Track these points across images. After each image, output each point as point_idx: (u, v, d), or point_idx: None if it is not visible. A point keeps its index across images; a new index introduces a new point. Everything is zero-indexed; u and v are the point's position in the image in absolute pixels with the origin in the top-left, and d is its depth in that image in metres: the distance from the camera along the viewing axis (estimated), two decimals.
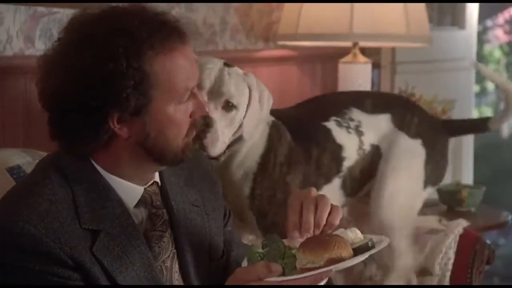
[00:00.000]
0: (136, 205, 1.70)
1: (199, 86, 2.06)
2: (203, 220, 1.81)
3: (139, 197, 1.69)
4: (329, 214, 1.64)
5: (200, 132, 2.04)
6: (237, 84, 2.17)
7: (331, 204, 1.65)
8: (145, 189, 1.71)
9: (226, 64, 2.20)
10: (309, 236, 1.61)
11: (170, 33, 1.63)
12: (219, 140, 2.12)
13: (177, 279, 1.74)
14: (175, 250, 1.74)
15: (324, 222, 1.63)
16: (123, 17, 1.62)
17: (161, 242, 1.71)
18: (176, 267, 1.74)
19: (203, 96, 2.08)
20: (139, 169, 1.69)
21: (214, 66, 2.17)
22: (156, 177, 1.76)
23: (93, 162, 1.66)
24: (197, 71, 1.69)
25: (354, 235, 1.58)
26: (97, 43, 1.58)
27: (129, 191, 1.68)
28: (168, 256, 1.73)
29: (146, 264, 1.65)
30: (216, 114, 2.11)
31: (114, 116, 1.60)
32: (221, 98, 2.13)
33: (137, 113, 1.61)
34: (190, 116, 1.68)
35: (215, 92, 2.13)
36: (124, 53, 1.57)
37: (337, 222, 1.63)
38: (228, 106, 2.14)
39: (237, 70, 2.21)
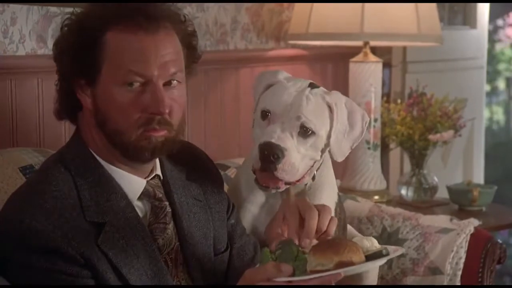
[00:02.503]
0: (140, 198, 1.72)
1: (274, 111, 1.97)
2: (206, 214, 1.83)
3: (141, 189, 1.72)
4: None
5: (269, 163, 1.93)
6: (315, 107, 1.99)
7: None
8: (147, 182, 1.73)
9: (311, 85, 2.04)
10: (308, 241, 1.64)
11: (137, 17, 1.66)
12: (293, 169, 1.95)
13: (181, 271, 1.76)
14: (178, 243, 1.76)
15: (324, 229, 1.69)
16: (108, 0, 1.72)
17: (164, 234, 1.73)
18: (180, 259, 1.76)
19: (277, 123, 1.96)
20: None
21: (295, 90, 2.00)
22: (158, 171, 1.78)
23: (95, 155, 1.69)
24: (155, 62, 1.66)
25: (370, 243, 1.59)
26: (78, 16, 1.70)
27: (132, 183, 1.71)
28: (172, 248, 1.75)
29: (151, 256, 1.67)
30: (290, 142, 1.95)
31: (81, 84, 1.68)
32: (297, 122, 1.96)
33: (91, 83, 1.67)
34: (147, 110, 1.66)
35: (291, 117, 1.97)
36: (90, 24, 1.67)
37: (332, 232, 1.69)
38: (305, 132, 1.97)
39: (320, 91, 2.04)
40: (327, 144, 2.03)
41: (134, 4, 1.69)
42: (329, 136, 2.02)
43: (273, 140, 1.94)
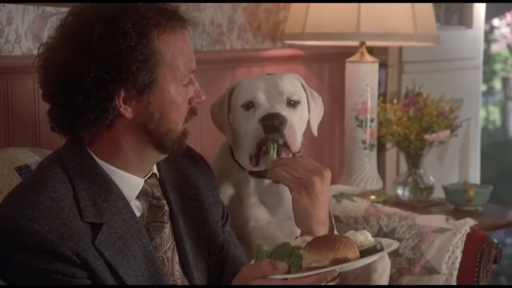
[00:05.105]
0: (138, 197, 1.73)
1: (255, 98, 2.08)
2: (201, 214, 1.84)
3: (139, 188, 1.72)
4: None
5: (275, 132, 2.03)
6: (291, 82, 2.14)
7: None
8: (145, 181, 1.73)
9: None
10: None
11: (171, 16, 1.68)
12: (297, 134, 2.07)
13: (177, 271, 1.76)
14: (175, 242, 1.76)
15: None
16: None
17: (162, 233, 1.74)
18: (176, 258, 1.76)
19: (265, 105, 2.07)
20: (139, 157, 1.71)
21: (261, 76, 2.18)
22: (155, 169, 1.78)
23: (93, 155, 1.68)
24: (193, 56, 1.73)
25: (364, 237, 1.60)
26: (105, 21, 1.62)
27: (130, 182, 1.71)
28: (169, 247, 1.75)
29: (148, 257, 1.67)
30: (284, 111, 2.07)
31: (121, 95, 1.63)
32: (282, 97, 2.09)
33: (143, 91, 1.64)
34: (189, 103, 1.72)
35: (275, 94, 2.09)
36: (133, 29, 1.61)
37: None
38: (292, 103, 2.10)
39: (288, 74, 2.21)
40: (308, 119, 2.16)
41: (157, 4, 1.68)
42: (308, 112, 2.15)
43: (271, 111, 2.05)
